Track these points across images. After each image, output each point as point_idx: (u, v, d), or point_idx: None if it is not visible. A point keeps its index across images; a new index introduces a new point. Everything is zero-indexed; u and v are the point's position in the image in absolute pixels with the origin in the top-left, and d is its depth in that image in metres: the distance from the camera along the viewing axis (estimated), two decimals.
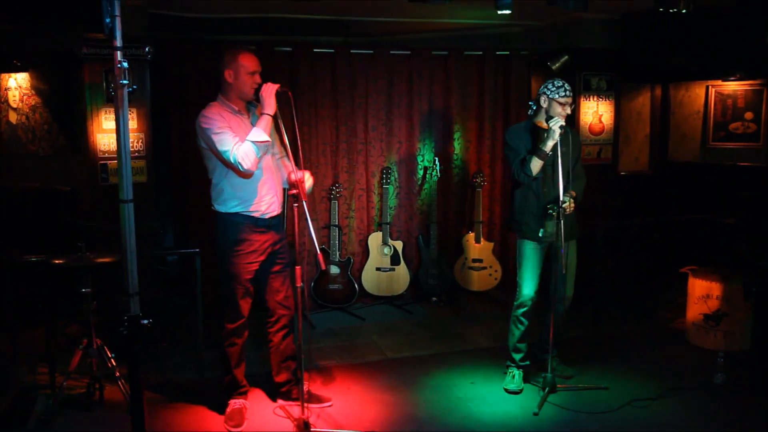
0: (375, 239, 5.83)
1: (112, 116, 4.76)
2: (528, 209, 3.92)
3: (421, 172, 6.01)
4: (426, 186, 6.00)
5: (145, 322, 2.27)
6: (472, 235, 6.01)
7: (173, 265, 5.75)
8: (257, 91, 3.42)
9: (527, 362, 4.14)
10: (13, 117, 5.93)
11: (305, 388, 3.52)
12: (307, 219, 3.29)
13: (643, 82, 7.23)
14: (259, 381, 4.01)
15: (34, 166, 5.85)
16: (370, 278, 5.82)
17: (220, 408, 3.72)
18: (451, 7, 4.50)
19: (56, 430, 3.56)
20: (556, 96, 3.79)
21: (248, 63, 3.43)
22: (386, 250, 5.80)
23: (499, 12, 4.23)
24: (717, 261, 5.20)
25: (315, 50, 5.61)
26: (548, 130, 3.69)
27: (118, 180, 2.30)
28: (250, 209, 3.49)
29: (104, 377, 3.81)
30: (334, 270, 5.69)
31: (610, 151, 5.99)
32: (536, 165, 3.75)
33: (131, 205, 2.27)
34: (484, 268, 6.01)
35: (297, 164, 3.42)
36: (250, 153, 3.30)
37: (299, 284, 3.36)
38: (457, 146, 6.09)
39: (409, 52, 5.87)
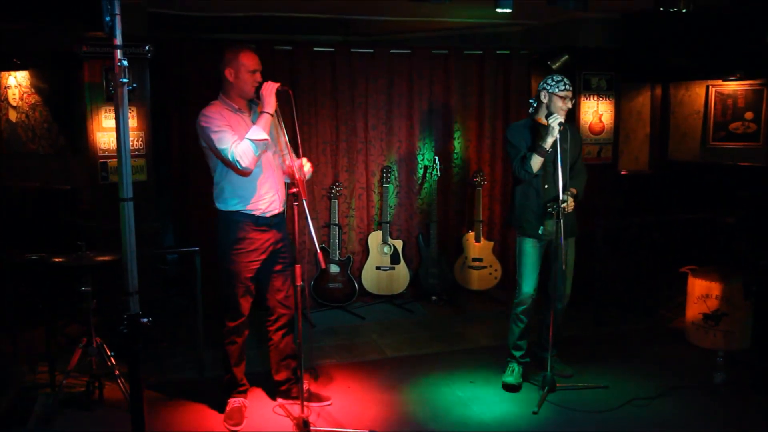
0: (375, 238, 5.83)
1: (112, 115, 4.76)
2: (528, 206, 3.93)
3: (421, 171, 6.02)
4: (426, 185, 6.00)
5: (145, 321, 2.27)
6: (472, 234, 6.01)
7: (173, 265, 5.75)
8: (258, 89, 3.42)
9: (527, 359, 4.15)
10: (12, 115, 5.92)
11: (305, 386, 3.52)
12: (307, 218, 3.29)
13: (643, 82, 7.22)
14: (258, 380, 4.02)
15: (34, 164, 5.85)
16: (370, 277, 5.82)
17: (219, 407, 3.72)
18: (451, 7, 4.51)
19: (56, 430, 3.56)
20: (556, 90, 3.80)
21: (249, 61, 3.43)
22: (386, 249, 5.80)
23: (499, 11, 4.23)
24: (717, 260, 5.21)
25: (315, 49, 5.61)
26: (548, 127, 3.70)
27: (118, 179, 2.30)
28: (250, 208, 3.49)
29: (104, 376, 3.81)
30: (334, 269, 5.69)
31: (610, 150, 5.99)
32: (536, 162, 3.75)
33: (131, 204, 2.27)
34: (484, 267, 6.01)
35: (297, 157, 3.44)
36: (248, 151, 3.30)
37: (299, 283, 3.36)
38: (457, 145, 6.09)
39: (409, 51, 5.87)
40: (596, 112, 5.88)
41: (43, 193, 5.64)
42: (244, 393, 3.75)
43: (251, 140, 3.31)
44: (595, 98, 5.86)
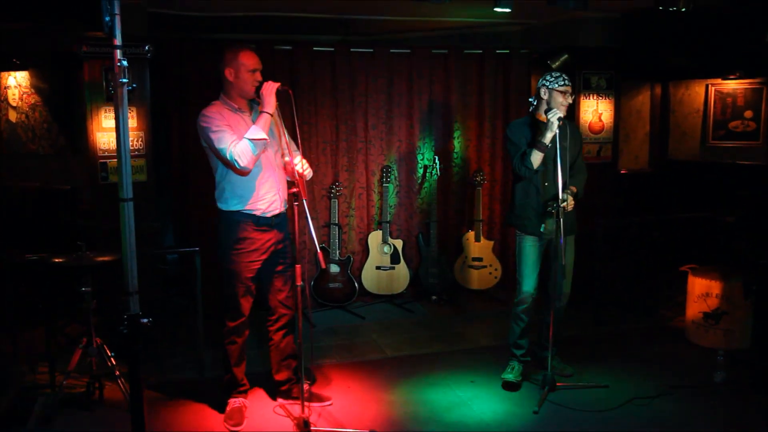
0: (375, 238, 5.83)
1: (112, 115, 4.76)
2: (529, 204, 3.93)
3: (421, 171, 6.01)
4: (426, 184, 6.00)
5: (145, 321, 2.27)
6: (472, 233, 6.01)
7: (173, 265, 5.75)
8: (258, 89, 3.42)
9: (528, 358, 4.15)
10: (12, 116, 5.92)
11: (305, 386, 3.52)
12: (307, 217, 3.29)
13: (643, 81, 7.23)
14: (259, 380, 4.02)
15: (34, 164, 5.85)
16: (370, 277, 5.82)
17: (220, 407, 3.72)
18: (450, 6, 4.51)
19: (56, 430, 3.56)
20: (556, 86, 3.80)
21: (248, 61, 3.43)
22: (386, 248, 5.80)
23: (498, 10, 4.23)
24: (717, 259, 5.21)
25: (315, 49, 5.61)
26: (547, 122, 3.71)
27: (117, 179, 2.30)
28: (250, 207, 3.48)
29: (104, 376, 3.81)
30: (334, 269, 5.69)
31: (610, 149, 5.99)
32: (536, 157, 3.75)
33: (131, 204, 2.27)
34: (484, 266, 6.01)
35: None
36: (247, 151, 3.30)
37: (299, 283, 3.36)
38: (457, 145, 6.09)
39: (409, 51, 5.87)
40: (596, 111, 5.88)
41: (43, 193, 5.64)
42: (244, 393, 3.75)
43: (250, 140, 3.31)
44: (595, 97, 5.86)
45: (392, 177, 5.90)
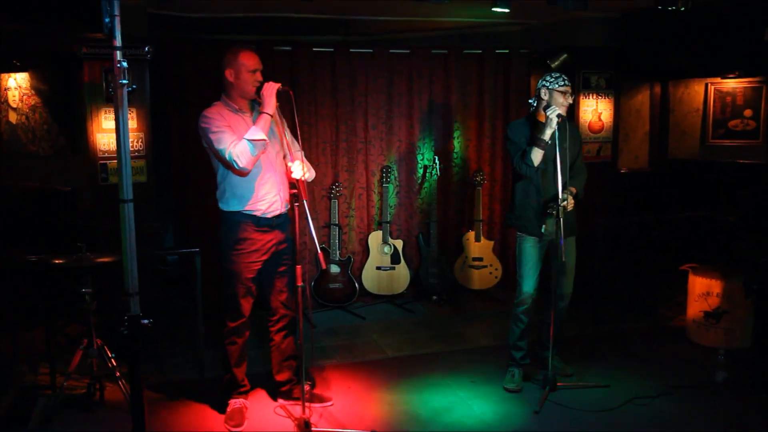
0: (375, 238, 5.83)
1: (112, 116, 4.76)
2: (529, 204, 3.93)
3: (421, 171, 6.02)
4: (426, 185, 6.00)
5: (146, 322, 2.28)
6: (472, 233, 6.01)
7: (173, 265, 5.75)
8: (259, 89, 3.42)
9: (527, 360, 4.14)
10: (13, 117, 5.93)
11: (306, 387, 3.52)
12: (307, 218, 3.29)
13: (643, 80, 7.23)
14: (260, 380, 4.01)
15: (34, 165, 5.85)
16: (370, 277, 5.82)
17: (220, 407, 3.72)
18: (450, 6, 4.51)
19: (57, 430, 3.56)
20: (556, 86, 3.81)
21: (249, 61, 3.43)
22: (386, 248, 5.80)
23: (496, 10, 4.24)
24: (717, 258, 5.21)
25: (315, 49, 5.61)
26: (546, 119, 3.71)
27: (118, 180, 2.30)
28: (250, 208, 3.48)
29: (105, 377, 3.81)
30: (335, 269, 5.70)
31: (610, 149, 5.99)
32: (537, 154, 3.75)
33: (131, 205, 2.27)
34: (485, 266, 6.01)
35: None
36: (245, 151, 3.30)
37: (300, 283, 3.36)
38: (457, 145, 6.09)
39: (408, 51, 5.86)
40: (595, 110, 5.88)
41: (43, 194, 5.65)
42: (245, 394, 3.75)
43: (249, 140, 3.31)
44: (595, 97, 5.86)
45: (392, 177, 5.90)
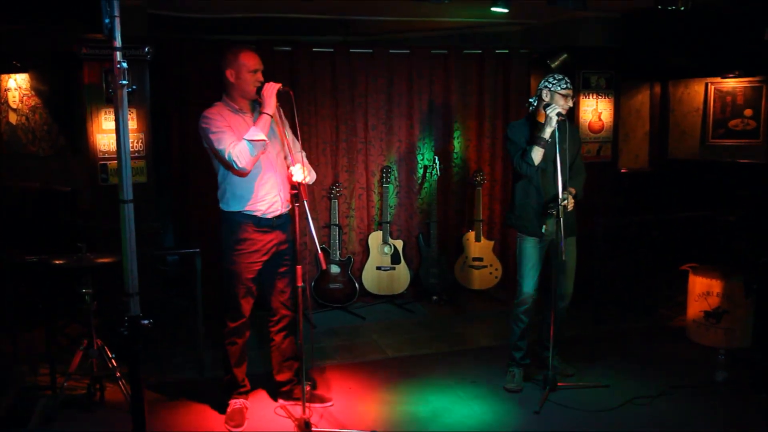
0: (375, 238, 5.83)
1: (112, 117, 4.76)
2: (529, 204, 3.93)
3: (421, 171, 6.02)
4: (426, 185, 6.00)
5: (146, 322, 2.28)
6: (472, 233, 6.01)
7: (173, 266, 5.75)
8: (260, 89, 3.42)
9: (527, 360, 4.14)
10: (13, 118, 5.93)
11: (306, 387, 3.52)
12: (308, 218, 3.30)
13: (643, 80, 7.23)
14: (260, 380, 4.02)
15: (34, 166, 5.85)
16: (370, 277, 5.82)
17: (220, 408, 3.72)
18: (450, 6, 4.51)
19: (57, 430, 3.56)
20: (558, 89, 3.81)
21: (249, 61, 3.43)
22: (386, 249, 5.80)
23: (495, 10, 4.24)
24: (717, 258, 5.21)
25: (314, 49, 5.61)
26: (546, 118, 3.71)
27: (118, 180, 2.30)
28: (250, 209, 3.48)
29: (105, 377, 3.81)
30: (335, 269, 5.70)
31: (610, 149, 5.99)
32: (537, 153, 3.75)
33: (131, 206, 2.27)
34: (485, 266, 6.01)
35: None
36: (245, 151, 3.30)
37: (300, 284, 3.36)
38: (457, 145, 6.09)
39: (408, 51, 5.86)
40: (595, 110, 5.88)
41: (43, 194, 5.65)
42: (245, 394, 3.75)
43: (248, 141, 3.31)
44: (595, 97, 5.86)
45: (392, 177, 5.90)
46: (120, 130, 2.23)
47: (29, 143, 5.86)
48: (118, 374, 3.71)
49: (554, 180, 3.71)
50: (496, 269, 6.03)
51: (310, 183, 3.59)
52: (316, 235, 3.62)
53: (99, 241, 4.64)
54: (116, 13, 2.16)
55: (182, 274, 5.60)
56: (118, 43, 2.19)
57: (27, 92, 5.82)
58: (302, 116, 5.53)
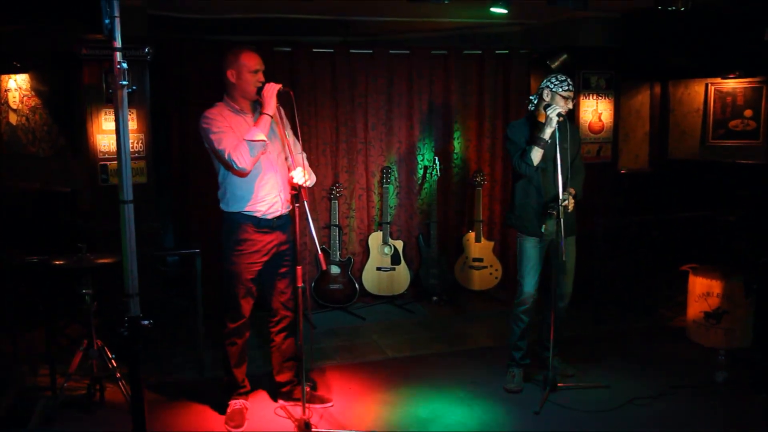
0: (375, 239, 5.83)
1: (112, 117, 4.76)
2: (529, 204, 3.93)
3: (421, 172, 6.01)
4: (426, 185, 6.00)
5: (146, 322, 2.28)
6: (472, 234, 6.01)
7: (173, 266, 5.75)
8: (260, 90, 3.42)
9: (527, 360, 4.14)
10: (13, 118, 5.93)
11: (306, 388, 3.52)
12: (308, 219, 3.30)
13: (643, 80, 7.23)
14: (260, 381, 4.02)
15: (34, 167, 5.85)
16: (370, 278, 5.82)
17: (220, 408, 3.72)
18: (450, 7, 4.51)
19: (57, 430, 3.56)
20: (560, 90, 3.81)
21: (250, 62, 3.43)
22: (387, 249, 5.80)
23: (494, 10, 4.24)
24: (717, 258, 5.21)
25: (314, 50, 5.61)
26: (546, 119, 3.71)
27: (118, 181, 2.30)
28: (250, 209, 3.48)
29: (105, 378, 3.81)
30: (335, 270, 5.69)
31: (610, 149, 5.99)
32: (536, 154, 3.75)
33: (131, 206, 2.27)
34: (485, 267, 6.01)
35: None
36: (245, 152, 3.30)
37: (300, 284, 3.36)
38: (457, 145, 6.09)
39: (408, 52, 5.86)
40: (595, 110, 5.88)
41: (43, 194, 5.65)
42: (245, 395, 3.75)
43: (248, 141, 3.31)
44: (595, 97, 5.86)
45: (392, 178, 5.90)
46: (120, 131, 2.23)
47: (29, 144, 5.86)
48: (118, 375, 3.71)
49: (554, 180, 3.71)
50: (496, 270, 6.03)
51: (310, 186, 3.59)
52: (316, 235, 3.62)
53: (99, 242, 4.64)
54: (116, 13, 2.16)
55: (182, 274, 5.60)
56: (118, 43, 2.19)
57: (27, 93, 5.82)
58: (302, 117, 5.53)
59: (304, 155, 3.60)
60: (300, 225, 3.37)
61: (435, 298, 5.89)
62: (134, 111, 4.88)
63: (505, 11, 4.40)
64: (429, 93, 5.96)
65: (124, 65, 2.20)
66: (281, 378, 3.80)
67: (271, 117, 3.40)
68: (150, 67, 4.90)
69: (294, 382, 3.80)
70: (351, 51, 5.72)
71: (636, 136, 7.36)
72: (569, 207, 3.76)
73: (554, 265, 3.89)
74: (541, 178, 3.88)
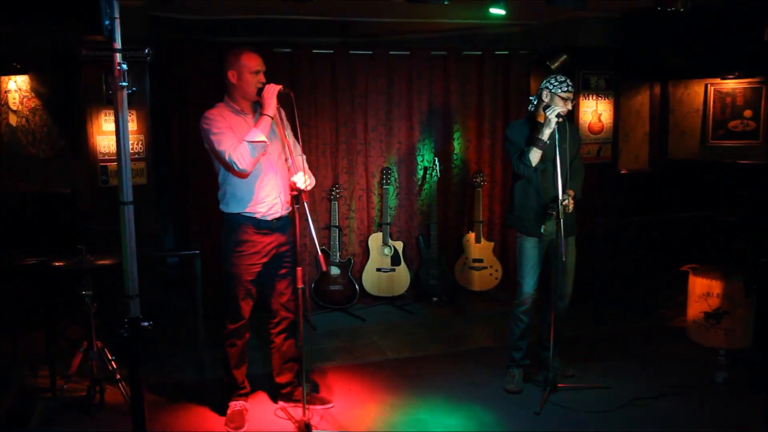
0: (375, 240, 5.83)
1: (112, 118, 4.76)
2: (528, 205, 3.93)
3: (420, 172, 6.01)
4: (426, 186, 6.00)
5: (146, 324, 2.27)
6: (472, 234, 6.01)
7: (173, 267, 5.75)
8: (261, 90, 3.42)
9: (527, 361, 4.14)
10: (13, 119, 5.93)
11: (307, 389, 3.52)
12: (308, 220, 3.30)
13: (642, 81, 7.23)
14: (260, 382, 4.02)
15: (34, 168, 5.85)
16: (370, 279, 5.82)
17: (220, 409, 3.72)
18: (450, 8, 4.50)
19: (57, 430, 3.56)
20: (559, 91, 3.81)
21: (251, 62, 3.43)
22: (386, 250, 5.80)
23: (493, 11, 4.24)
24: (717, 259, 5.21)
25: (314, 51, 5.61)
26: (545, 120, 3.71)
27: (118, 182, 2.30)
28: (250, 210, 3.48)
29: (105, 379, 3.81)
30: (335, 271, 5.69)
31: (610, 149, 5.99)
32: (535, 155, 3.75)
33: (131, 207, 2.27)
34: (485, 267, 6.01)
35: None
36: (245, 153, 3.30)
37: (300, 285, 3.36)
38: (456, 146, 6.09)
39: (408, 53, 5.86)
40: (595, 111, 5.87)
41: (43, 195, 5.64)
42: (245, 396, 3.75)
43: (249, 142, 3.31)
44: (594, 97, 5.86)
45: (392, 179, 5.90)
46: (120, 132, 2.23)
47: (29, 145, 5.86)
48: (118, 376, 3.71)
49: (554, 180, 3.71)
50: (496, 270, 6.03)
51: (310, 189, 3.59)
52: (316, 236, 3.62)
53: (99, 243, 4.64)
54: (116, 14, 2.16)
55: (182, 275, 5.60)
56: (118, 44, 2.19)
57: (27, 94, 5.82)
58: (302, 118, 5.52)
59: (304, 157, 3.59)
60: (300, 226, 3.37)
61: (435, 298, 5.89)
62: (134, 112, 4.88)
63: (503, 12, 4.40)
64: (429, 94, 5.96)
65: (124, 66, 2.20)
66: (281, 379, 3.80)
67: (272, 118, 3.40)
68: (150, 68, 4.90)
69: (294, 384, 3.80)
70: (351, 52, 5.72)
71: (636, 136, 7.36)
72: (569, 208, 3.76)
73: (554, 265, 3.88)
74: (540, 179, 3.88)
